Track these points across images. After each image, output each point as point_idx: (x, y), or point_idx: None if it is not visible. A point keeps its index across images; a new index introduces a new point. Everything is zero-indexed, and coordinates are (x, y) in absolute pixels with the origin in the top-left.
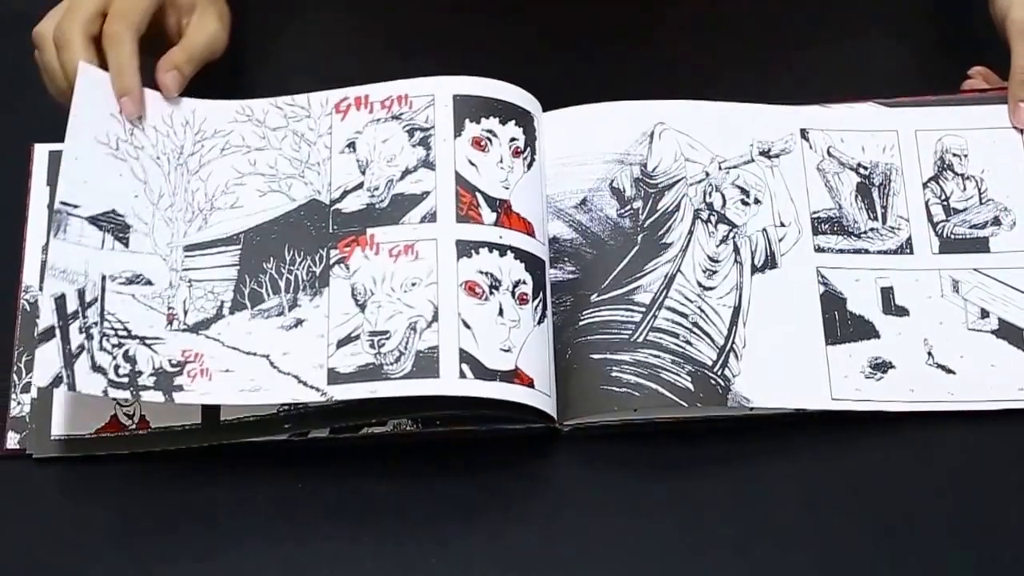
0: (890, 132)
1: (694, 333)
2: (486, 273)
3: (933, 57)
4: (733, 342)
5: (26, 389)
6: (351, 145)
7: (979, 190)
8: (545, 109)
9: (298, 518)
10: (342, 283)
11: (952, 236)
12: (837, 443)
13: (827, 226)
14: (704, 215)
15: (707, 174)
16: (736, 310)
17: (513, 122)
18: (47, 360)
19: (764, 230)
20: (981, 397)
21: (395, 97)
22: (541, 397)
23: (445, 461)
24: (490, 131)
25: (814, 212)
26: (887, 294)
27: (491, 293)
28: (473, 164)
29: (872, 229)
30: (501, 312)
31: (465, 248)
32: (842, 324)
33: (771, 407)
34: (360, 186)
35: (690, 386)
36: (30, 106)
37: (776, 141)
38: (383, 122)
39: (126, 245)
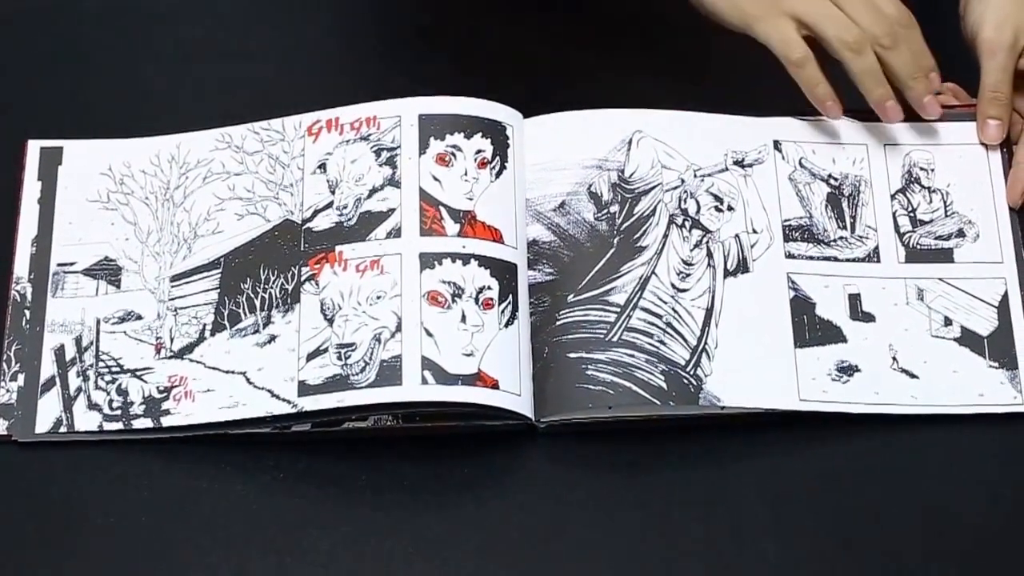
0: (860, 146)
1: (668, 333)
2: (448, 283)
3: None
4: (706, 343)
5: (14, 378)
6: (322, 166)
7: (945, 203)
8: (528, 115)
9: (278, 509)
10: (312, 299)
11: (918, 246)
12: (805, 443)
13: (798, 234)
14: (679, 220)
15: (682, 181)
16: (709, 312)
17: (479, 134)
18: (48, 408)
19: (737, 236)
20: (943, 401)
21: (364, 119)
22: (507, 397)
23: (423, 456)
24: (454, 146)
25: (785, 220)
26: (854, 300)
27: (453, 301)
28: (437, 179)
29: (841, 238)
30: (464, 319)
31: (428, 260)
32: (811, 328)
33: (741, 406)
34: (330, 205)
35: (663, 385)
36: (24, 104)
37: (750, 151)
38: (352, 143)
39: (118, 287)
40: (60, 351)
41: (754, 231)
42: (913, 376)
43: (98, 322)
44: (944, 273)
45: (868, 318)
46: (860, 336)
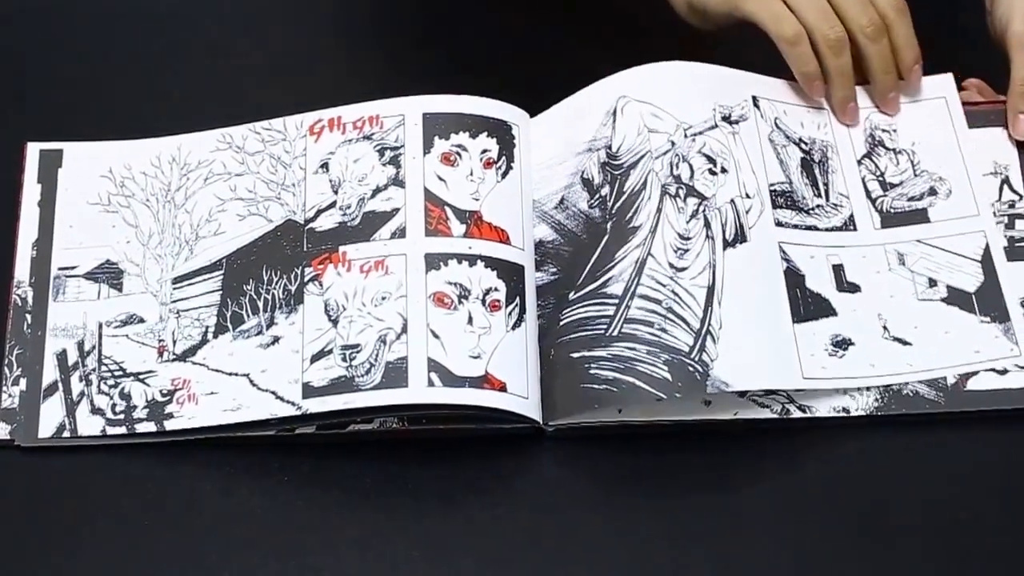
0: (822, 110)
1: (669, 319)
2: (455, 284)
3: (925, 69)
4: (709, 324)
5: (16, 382)
6: (324, 165)
7: (912, 163)
8: (536, 115)
9: (282, 512)
10: (316, 300)
11: (891, 210)
12: (813, 449)
13: (782, 200)
14: (672, 189)
15: (672, 144)
16: (711, 290)
17: (485, 134)
18: (51, 413)
19: (732, 201)
20: (939, 364)
21: (367, 118)
22: (515, 400)
23: (429, 459)
24: (460, 145)
25: (771, 184)
26: (838, 271)
27: (460, 303)
28: (442, 179)
29: (818, 206)
30: (470, 320)
31: (434, 261)
32: (804, 302)
33: (748, 388)
34: (333, 205)
35: (668, 376)
36: (23, 105)
37: (735, 106)
38: (355, 142)
39: (120, 290)
40: (62, 356)
41: (747, 196)
42: (906, 343)
43: (100, 326)
44: (922, 234)
45: (854, 288)
46: (849, 308)
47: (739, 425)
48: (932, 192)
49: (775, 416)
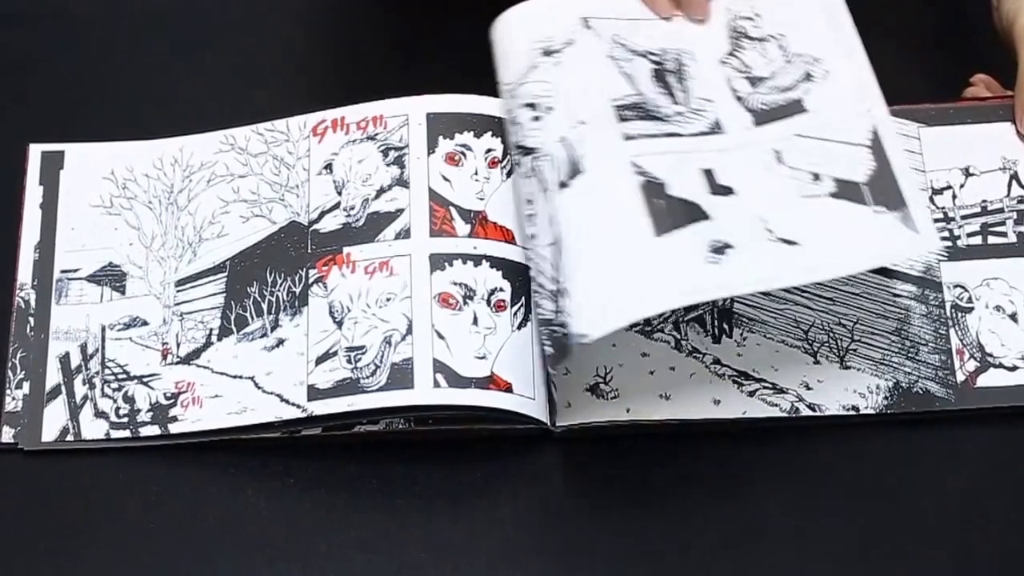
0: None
1: (539, 293)
2: (460, 284)
3: (932, 65)
4: (560, 281)
5: (20, 385)
6: (328, 166)
7: (782, 49)
8: None
9: (288, 514)
10: (320, 301)
11: (763, 107)
12: (823, 449)
13: (632, 113)
14: (515, 160)
15: (508, 112)
16: (557, 243)
17: (490, 133)
18: (54, 416)
19: (561, 138)
20: (835, 262)
21: (370, 118)
22: (521, 400)
23: (436, 460)
24: (464, 145)
25: (615, 100)
26: (709, 175)
27: (465, 303)
28: (447, 179)
29: (678, 113)
30: (476, 321)
31: (438, 261)
32: (670, 211)
33: (608, 331)
34: (337, 206)
35: (551, 349)
36: (26, 107)
37: (555, 35)
38: (359, 143)
39: (123, 293)
40: (65, 359)
41: (581, 123)
42: (793, 244)
43: (103, 329)
44: (800, 127)
45: (727, 191)
46: (724, 212)
47: (747, 424)
48: (807, 77)
49: (784, 415)
